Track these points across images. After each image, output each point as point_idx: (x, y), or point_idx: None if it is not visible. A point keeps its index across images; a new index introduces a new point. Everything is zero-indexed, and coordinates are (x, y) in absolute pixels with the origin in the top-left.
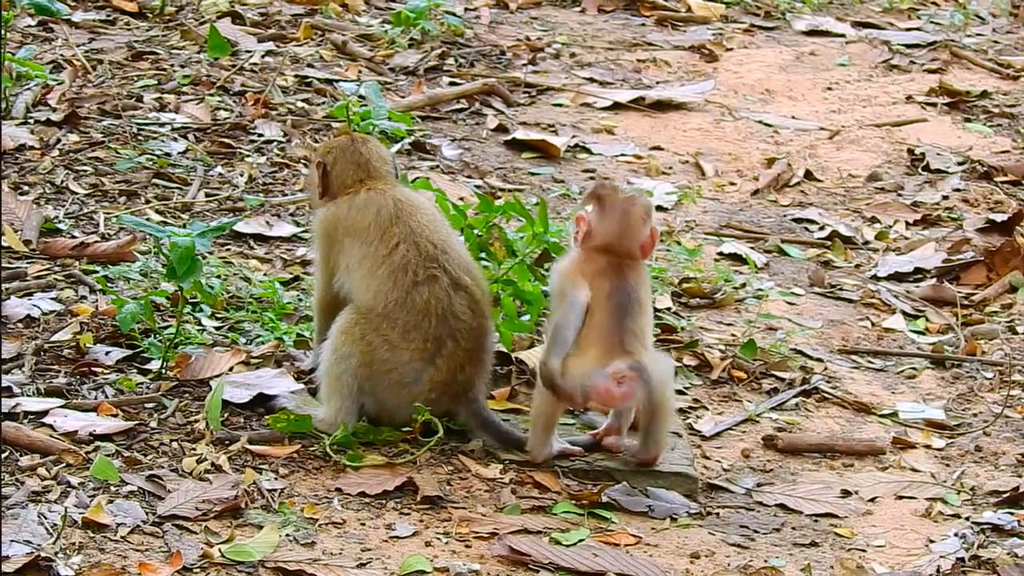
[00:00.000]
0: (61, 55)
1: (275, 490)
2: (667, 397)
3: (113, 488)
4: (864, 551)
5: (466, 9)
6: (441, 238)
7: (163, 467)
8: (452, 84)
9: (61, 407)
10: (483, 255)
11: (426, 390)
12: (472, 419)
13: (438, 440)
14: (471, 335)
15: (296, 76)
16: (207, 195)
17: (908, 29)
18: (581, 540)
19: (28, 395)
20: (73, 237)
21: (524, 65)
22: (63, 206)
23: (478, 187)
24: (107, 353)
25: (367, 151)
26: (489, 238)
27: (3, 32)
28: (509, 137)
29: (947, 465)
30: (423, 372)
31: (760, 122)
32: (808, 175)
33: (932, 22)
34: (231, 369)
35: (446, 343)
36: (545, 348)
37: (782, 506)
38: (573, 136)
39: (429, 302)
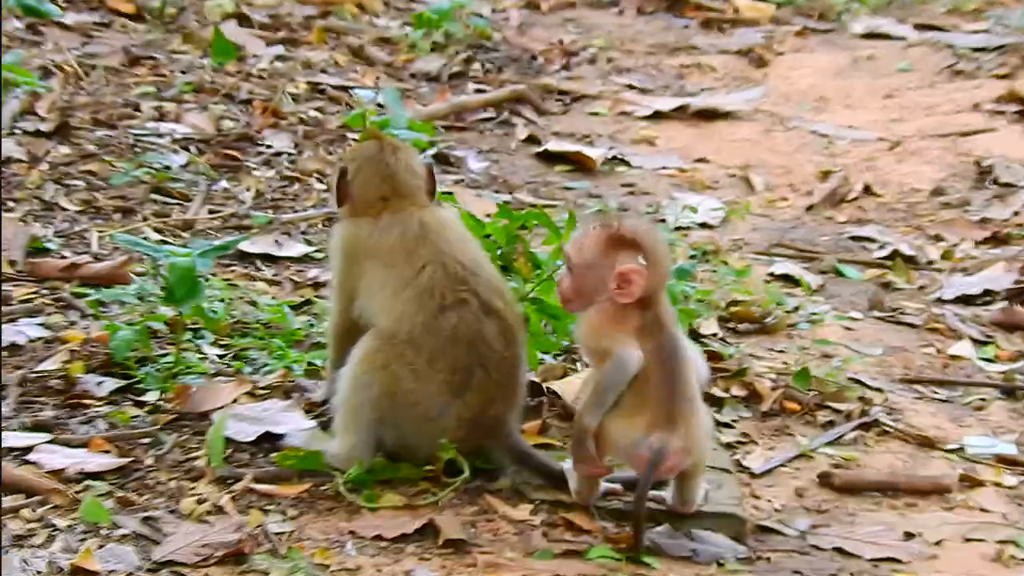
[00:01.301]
0: (51, 60)
1: (283, 533)
2: (705, 456)
3: (104, 531)
4: None
5: (494, 10)
6: (471, 259)
7: (159, 508)
8: (478, 91)
9: (48, 442)
10: (505, 270)
11: (453, 426)
12: (507, 455)
13: (464, 481)
14: (502, 365)
15: (308, 83)
16: (210, 212)
17: (974, 31)
18: None
19: (12, 429)
20: (63, 257)
21: (557, 71)
22: (52, 224)
23: (506, 203)
24: (99, 384)
25: (396, 162)
26: (512, 252)
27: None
28: (540, 149)
29: (1020, 505)
30: (450, 406)
31: (814, 132)
32: (867, 189)
33: (1000, 24)
34: (235, 401)
35: (475, 373)
36: (584, 404)
37: (839, 550)
38: (610, 148)
39: (458, 328)
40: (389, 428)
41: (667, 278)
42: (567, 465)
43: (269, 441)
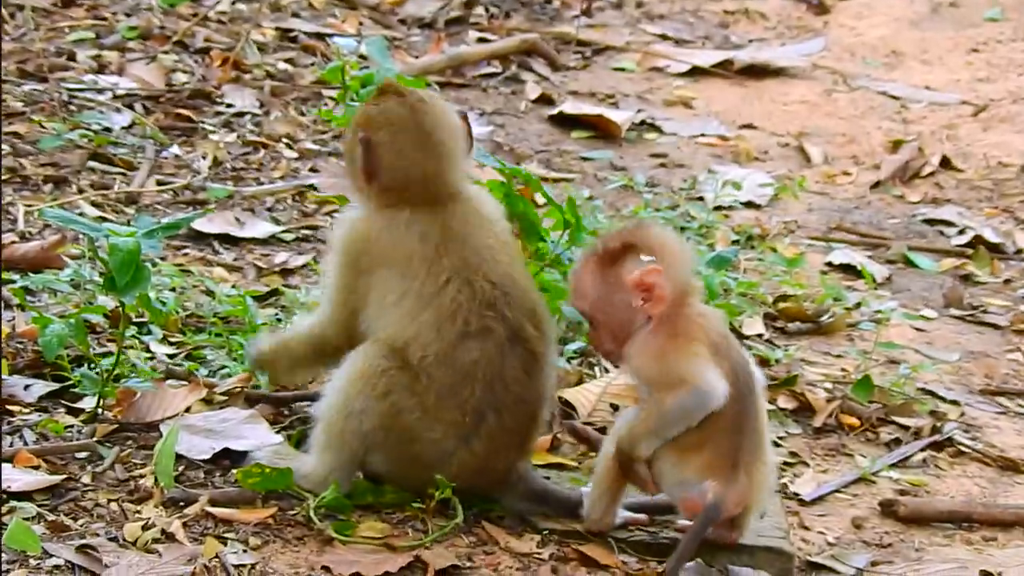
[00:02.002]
0: None
1: (243, 566)
2: (767, 500)
3: (34, 561)
4: None
5: None
6: (503, 273)
7: (98, 535)
8: (481, 41)
9: None
10: None
11: (453, 475)
12: (518, 500)
13: (455, 526)
14: (519, 410)
15: (277, 29)
16: (159, 183)
17: None
18: None
19: None
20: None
21: (575, 17)
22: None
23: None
24: (27, 387)
25: (432, 123)
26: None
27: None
28: (555, 111)
29: None
30: (453, 455)
31: (883, 93)
32: (945, 163)
33: None
34: (188, 410)
35: (487, 418)
36: (639, 428)
37: None
38: (639, 111)
39: (477, 362)
40: (377, 456)
41: (688, 272)
42: (586, 489)
43: (228, 458)
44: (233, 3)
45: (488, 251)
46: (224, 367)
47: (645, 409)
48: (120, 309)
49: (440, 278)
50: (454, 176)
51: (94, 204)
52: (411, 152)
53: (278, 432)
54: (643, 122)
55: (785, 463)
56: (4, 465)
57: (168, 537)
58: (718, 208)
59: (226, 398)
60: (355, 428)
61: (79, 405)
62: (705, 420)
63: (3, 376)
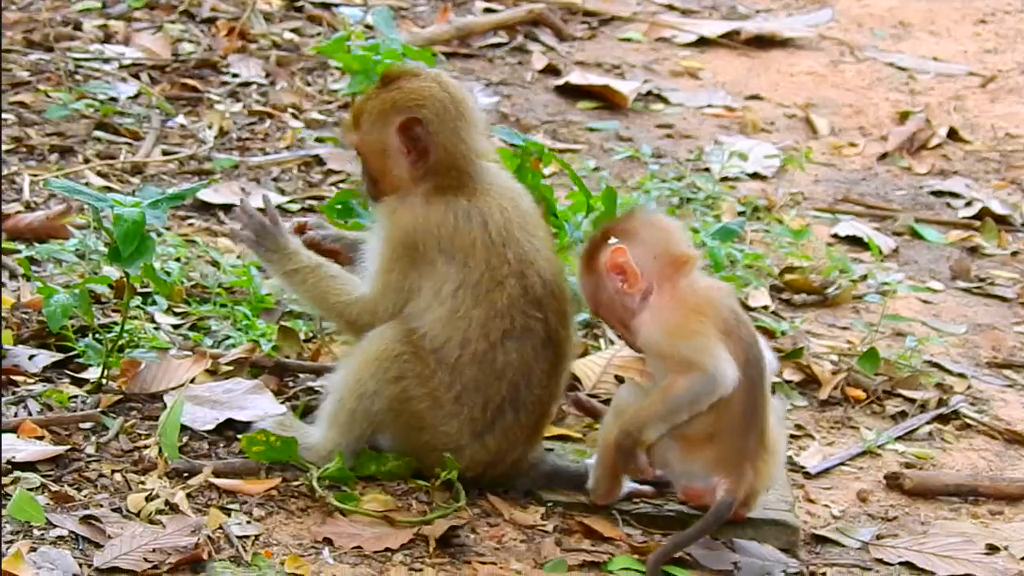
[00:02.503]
0: None
1: (247, 537)
2: (776, 481)
3: (37, 532)
4: None
5: None
6: (551, 267)
7: (102, 505)
8: (487, 11)
9: None
10: None
11: (463, 467)
12: (530, 483)
13: (458, 508)
14: (536, 407)
15: None
16: (164, 153)
17: None
18: None
19: None
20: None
21: None
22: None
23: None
24: (31, 357)
25: (462, 95)
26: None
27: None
28: (561, 81)
29: None
30: (466, 448)
31: (891, 64)
32: (952, 134)
33: None
34: (192, 380)
35: (505, 415)
36: (645, 412)
37: (909, 564)
38: (645, 81)
39: (510, 364)
40: (385, 437)
41: (672, 243)
42: (591, 462)
43: (232, 429)
44: None
45: (539, 241)
46: (229, 337)
47: (653, 393)
48: (124, 280)
49: (501, 270)
50: (487, 149)
51: (100, 174)
52: (454, 124)
53: (282, 403)
54: (649, 92)
55: (791, 436)
56: (8, 436)
57: (172, 508)
58: (724, 179)
59: (231, 368)
60: (365, 408)
61: (83, 375)
62: (714, 410)
63: (7, 346)
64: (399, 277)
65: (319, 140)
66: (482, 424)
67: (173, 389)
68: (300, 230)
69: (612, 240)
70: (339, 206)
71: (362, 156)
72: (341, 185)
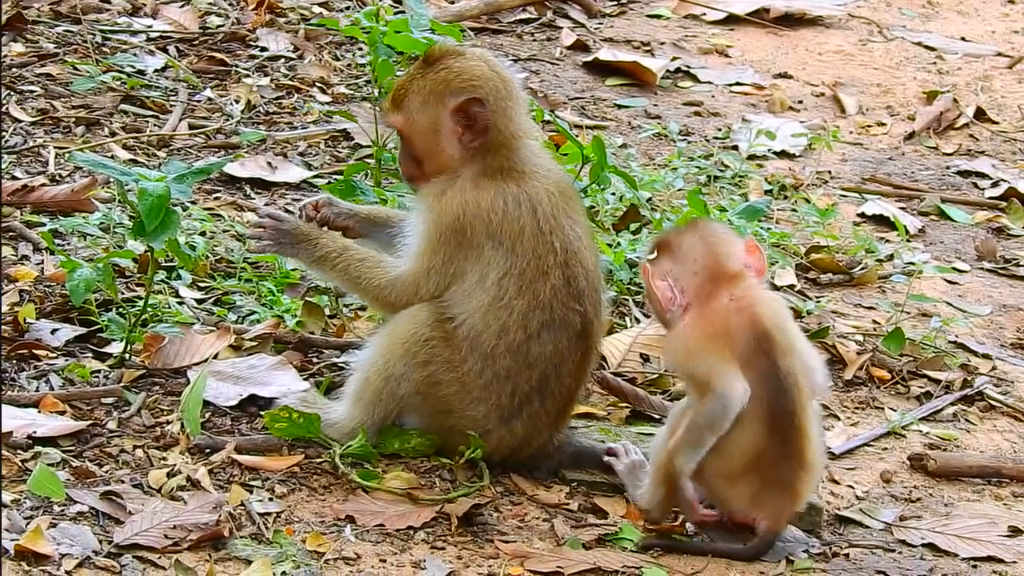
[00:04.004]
0: None
1: (269, 514)
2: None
3: (58, 508)
4: None
5: None
6: (593, 259)
7: (123, 481)
8: None
9: None
10: None
11: (491, 449)
12: (556, 464)
13: (480, 487)
14: (565, 395)
15: None
16: (191, 127)
17: None
18: None
19: None
20: (14, 178)
21: None
22: (2, 137)
23: (547, 123)
24: (54, 331)
25: (515, 85)
26: None
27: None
28: (590, 58)
29: None
30: (493, 433)
31: (919, 44)
32: (980, 115)
33: None
34: (216, 356)
35: (533, 402)
36: (678, 441)
37: (931, 546)
38: (674, 58)
39: (543, 355)
40: (412, 418)
41: (716, 259)
42: (614, 460)
43: (255, 405)
44: None
45: (581, 228)
46: (253, 313)
47: (682, 416)
48: (149, 254)
49: (547, 260)
50: (531, 128)
51: (126, 147)
52: (506, 103)
53: (306, 379)
54: (678, 70)
55: None
56: (30, 410)
57: (193, 484)
58: (751, 157)
59: (255, 344)
60: (392, 390)
61: (106, 350)
62: (743, 439)
63: (30, 320)
64: (444, 260)
65: (327, 115)
66: (509, 410)
67: (196, 364)
68: (315, 209)
69: (651, 255)
70: (341, 186)
71: (406, 137)
72: (368, 160)
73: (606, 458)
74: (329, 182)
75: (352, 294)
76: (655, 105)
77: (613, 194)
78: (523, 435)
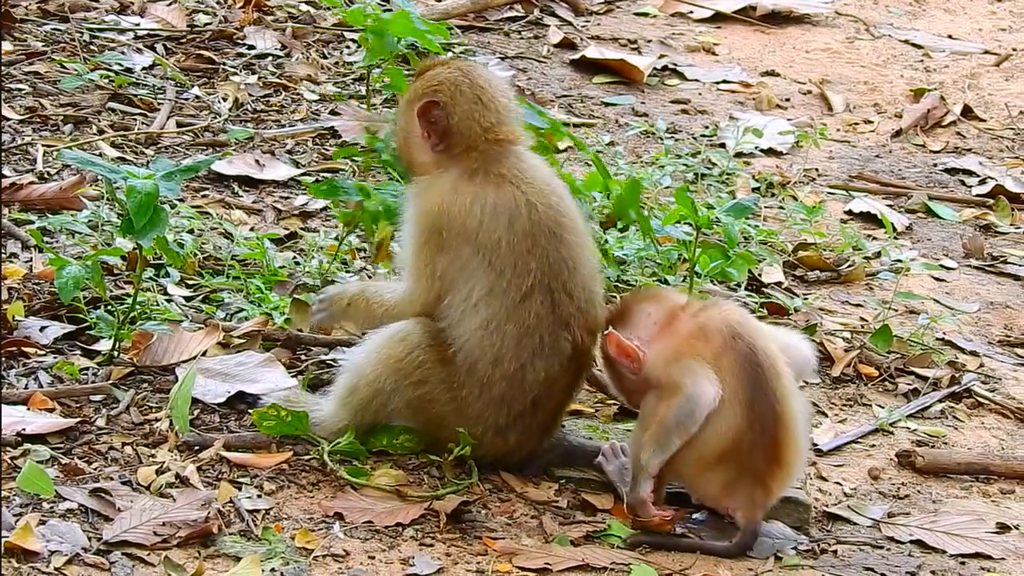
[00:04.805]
0: None
1: (258, 511)
2: None
3: (47, 505)
4: None
5: None
6: (581, 282)
7: (112, 478)
8: None
9: None
10: None
11: (481, 453)
12: (546, 463)
13: (469, 484)
14: (557, 407)
15: None
16: (179, 124)
17: None
18: None
19: None
20: (3, 176)
21: None
22: (1, 137)
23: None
24: (42, 329)
25: (483, 78)
26: None
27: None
28: (577, 56)
29: None
30: (486, 444)
31: (906, 42)
32: (967, 112)
33: None
34: (204, 353)
35: (526, 417)
36: (646, 439)
37: (919, 543)
38: (661, 56)
39: (536, 380)
40: (400, 421)
41: (665, 311)
42: (604, 461)
43: (244, 402)
44: None
45: (570, 244)
46: (241, 310)
47: (647, 411)
48: (137, 251)
49: (525, 281)
50: (514, 135)
51: (114, 145)
52: (470, 107)
53: (294, 376)
54: (665, 68)
55: None
56: (19, 408)
57: (182, 481)
58: (739, 155)
59: (243, 341)
60: (382, 402)
61: (94, 347)
62: (718, 431)
63: (19, 318)
64: (428, 262)
65: (334, 113)
66: (504, 424)
67: (185, 362)
68: None
69: (607, 331)
70: (324, 187)
71: (398, 144)
72: (356, 158)
73: (597, 460)
74: (316, 180)
75: (376, 327)
76: (642, 103)
77: (601, 192)
78: (515, 443)
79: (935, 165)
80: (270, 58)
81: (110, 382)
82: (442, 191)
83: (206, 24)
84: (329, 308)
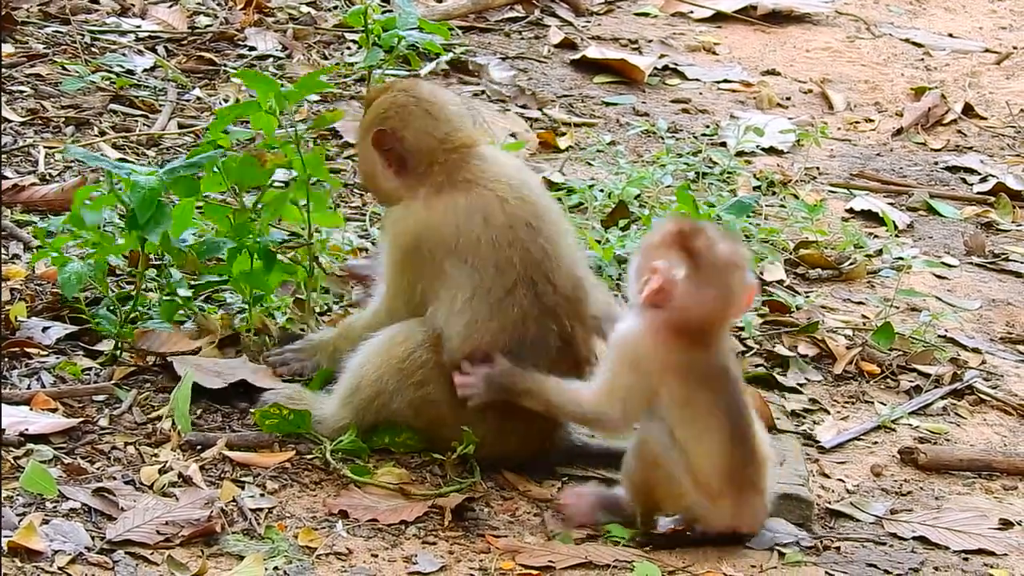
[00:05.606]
0: None
1: (260, 510)
2: None
3: (50, 504)
4: None
5: None
6: (565, 271)
7: (115, 478)
8: None
9: None
10: None
11: (484, 453)
12: (556, 460)
13: (471, 483)
14: None
15: None
16: (180, 125)
17: None
18: None
19: None
20: (4, 177)
21: None
22: (1, 138)
23: (535, 121)
24: (45, 329)
25: (426, 93)
26: None
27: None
28: (578, 56)
29: None
30: (487, 445)
31: (907, 40)
32: (968, 110)
33: None
34: (198, 350)
35: (524, 416)
36: (545, 388)
37: (922, 539)
38: (661, 56)
39: (531, 364)
40: (402, 420)
41: (728, 313)
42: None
43: (245, 401)
44: None
45: (548, 233)
46: (243, 310)
47: (573, 387)
48: (140, 249)
49: (508, 277)
50: (470, 137)
51: (115, 146)
52: (420, 123)
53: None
54: (666, 67)
55: (805, 410)
56: (22, 408)
57: (185, 481)
58: (740, 154)
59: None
60: (383, 402)
61: (97, 347)
62: (708, 455)
63: (21, 318)
64: (411, 281)
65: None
66: (505, 424)
67: (180, 353)
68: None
69: (670, 263)
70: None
71: (365, 181)
72: (355, 158)
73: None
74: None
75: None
76: (643, 102)
77: (602, 191)
78: (518, 444)
79: (936, 163)
80: (271, 59)
81: (112, 382)
82: (415, 212)
83: (207, 26)
84: (314, 356)
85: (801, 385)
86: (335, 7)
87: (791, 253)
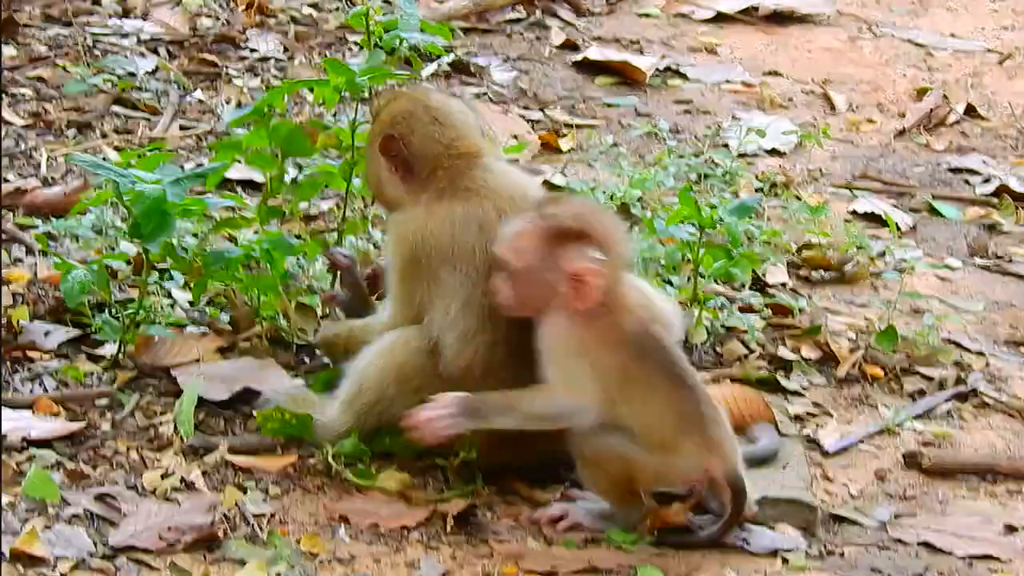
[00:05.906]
0: None
1: (263, 515)
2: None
3: (52, 510)
4: None
5: None
6: None
7: (117, 483)
8: None
9: None
10: None
11: (487, 461)
12: (557, 465)
13: (473, 490)
14: None
15: None
16: (183, 128)
17: None
18: None
19: None
20: (6, 181)
21: None
22: (1, 139)
23: (536, 122)
24: (47, 333)
25: (436, 100)
26: None
27: None
28: (580, 57)
29: None
30: (489, 454)
31: (908, 41)
32: (970, 111)
33: None
34: (198, 360)
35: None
36: (505, 402)
37: (927, 545)
38: (663, 57)
39: (522, 382)
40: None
41: (626, 267)
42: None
43: (247, 404)
44: None
45: None
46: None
47: (536, 392)
48: (143, 255)
49: None
50: (478, 147)
51: (117, 149)
52: (427, 129)
53: (296, 379)
54: (667, 68)
55: (808, 413)
56: (24, 412)
57: (188, 485)
58: (742, 155)
59: (247, 345)
60: (384, 408)
61: (99, 352)
62: (661, 408)
63: (23, 322)
64: (411, 289)
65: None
66: (503, 435)
67: (186, 364)
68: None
69: (595, 254)
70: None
71: (372, 190)
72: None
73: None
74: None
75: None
76: (645, 104)
77: (604, 192)
78: (516, 452)
79: (939, 164)
80: (273, 61)
81: (115, 386)
82: (416, 218)
83: (208, 28)
84: (326, 352)
85: (804, 389)
86: (337, 8)
87: (793, 255)
